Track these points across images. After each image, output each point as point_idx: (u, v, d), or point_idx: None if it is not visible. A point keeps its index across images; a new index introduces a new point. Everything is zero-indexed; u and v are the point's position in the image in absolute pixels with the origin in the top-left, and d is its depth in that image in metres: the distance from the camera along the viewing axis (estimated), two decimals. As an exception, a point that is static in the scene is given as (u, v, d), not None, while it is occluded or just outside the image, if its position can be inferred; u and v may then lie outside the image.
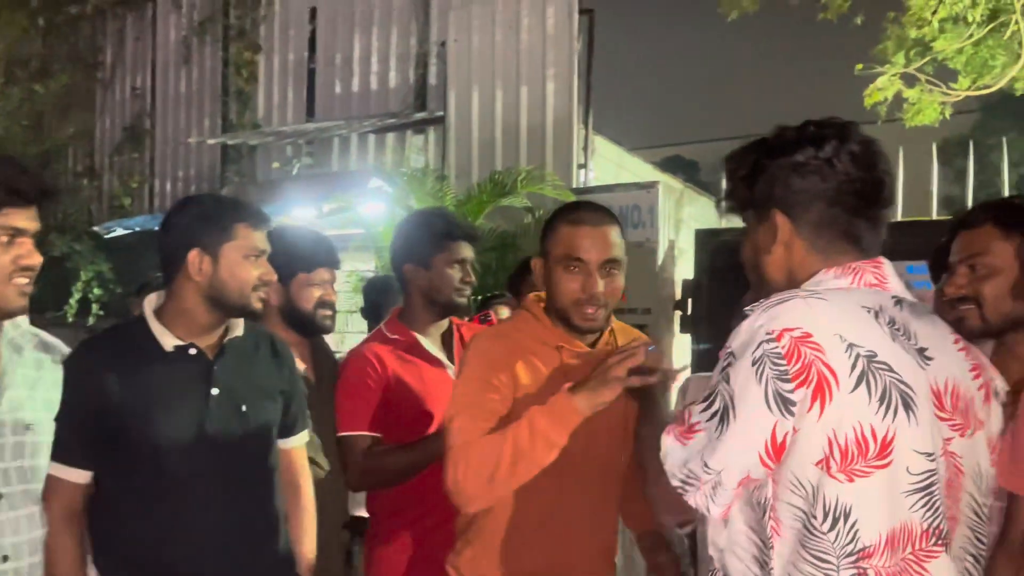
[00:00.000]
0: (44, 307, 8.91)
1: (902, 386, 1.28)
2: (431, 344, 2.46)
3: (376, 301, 4.01)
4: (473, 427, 1.76)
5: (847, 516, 1.25)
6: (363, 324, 4.65)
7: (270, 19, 9.92)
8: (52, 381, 1.88)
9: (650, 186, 6.44)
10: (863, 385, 1.25)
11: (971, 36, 8.00)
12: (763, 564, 1.32)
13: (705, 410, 1.33)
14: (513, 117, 7.80)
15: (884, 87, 7.61)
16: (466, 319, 2.76)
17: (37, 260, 1.75)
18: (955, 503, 1.36)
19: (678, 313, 6.03)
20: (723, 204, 1.54)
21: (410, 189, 6.68)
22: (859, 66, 7.60)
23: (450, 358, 2.45)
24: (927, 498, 1.29)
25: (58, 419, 1.88)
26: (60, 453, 1.87)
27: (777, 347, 1.26)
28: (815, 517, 1.26)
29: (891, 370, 1.27)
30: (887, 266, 1.41)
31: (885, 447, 1.25)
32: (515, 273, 3.79)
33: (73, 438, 1.89)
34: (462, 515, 1.93)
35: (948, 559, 1.32)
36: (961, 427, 1.36)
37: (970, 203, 6.21)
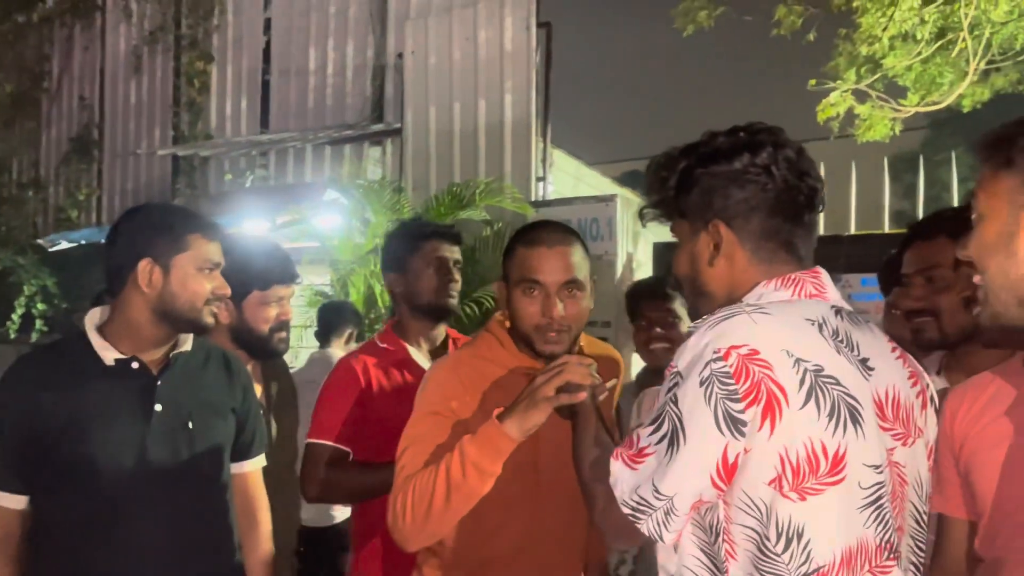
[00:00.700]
0: (-15, 323, 8.62)
1: (849, 399, 1.25)
2: (422, 357, 2.36)
3: (327, 325, 4.02)
4: (417, 461, 1.69)
5: (800, 536, 1.22)
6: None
7: (223, 29, 9.78)
8: None
9: (609, 199, 6.44)
10: (812, 401, 1.22)
11: (919, 54, 8.18)
12: None
13: (654, 432, 1.28)
14: (471, 129, 7.75)
15: (836, 103, 7.74)
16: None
17: None
18: (900, 513, 1.34)
19: (637, 326, 6.04)
20: (648, 213, 1.49)
21: (367, 201, 6.59)
22: (812, 82, 7.71)
23: None
24: (878, 511, 1.27)
25: None
26: None
27: (724, 366, 1.22)
28: (768, 539, 1.23)
29: (838, 384, 1.25)
30: (824, 275, 1.38)
31: (837, 463, 1.22)
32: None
33: (5, 461, 1.79)
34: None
35: (900, 572, 1.30)
36: (903, 436, 1.34)
37: (921, 216, 6.32)
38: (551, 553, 1.84)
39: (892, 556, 1.28)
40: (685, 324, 2.68)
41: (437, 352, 2.39)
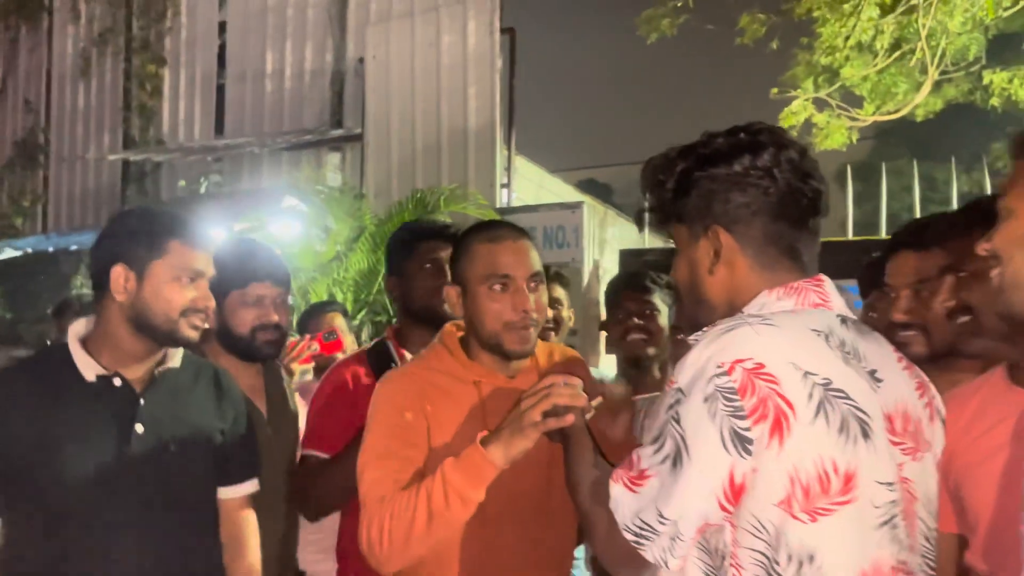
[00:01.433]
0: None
1: (859, 413, 1.19)
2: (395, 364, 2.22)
3: (308, 330, 3.74)
4: (386, 480, 1.61)
5: (812, 559, 1.16)
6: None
7: (176, 31, 9.60)
8: None
9: (575, 206, 6.40)
10: (821, 416, 1.16)
11: (875, 64, 8.32)
12: None
13: (655, 453, 1.21)
14: (434, 136, 7.66)
15: (797, 111, 7.82)
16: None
17: None
18: (912, 532, 1.29)
19: (604, 334, 5.99)
20: (644, 218, 1.42)
21: (327, 208, 6.45)
22: (774, 90, 7.79)
23: None
24: (892, 531, 1.22)
25: None
26: None
27: (729, 381, 1.16)
28: (778, 563, 1.17)
29: (847, 397, 1.19)
30: (828, 283, 1.33)
31: (848, 481, 1.17)
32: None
33: None
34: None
35: None
36: (912, 450, 1.29)
37: (884, 224, 6.40)
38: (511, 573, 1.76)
39: None
40: (663, 317, 2.63)
41: None
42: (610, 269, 6.69)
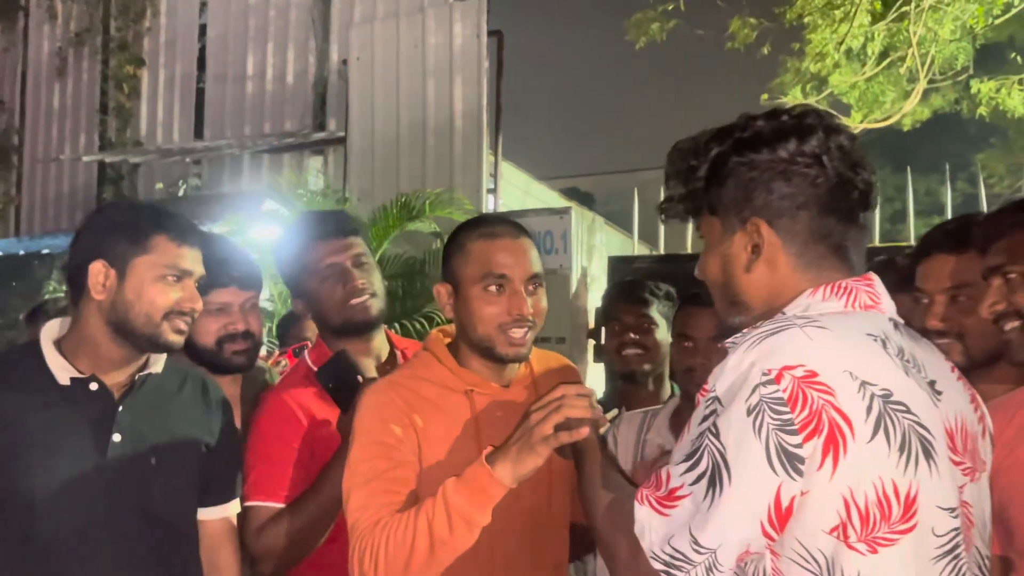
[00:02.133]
0: None
1: (921, 430, 1.07)
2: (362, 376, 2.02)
3: (289, 340, 3.49)
4: (378, 504, 1.48)
5: None
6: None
7: (155, 32, 9.41)
8: None
9: (563, 212, 6.28)
10: (881, 432, 1.03)
11: (864, 72, 8.27)
12: None
13: (689, 471, 1.08)
14: (419, 139, 7.50)
15: (788, 118, 7.73)
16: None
17: None
18: (970, 562, 1.16)
19: (592, 342, 5.89)
20: (669, 209, 1.29)
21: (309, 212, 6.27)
22: (764, 96, 7.72)
23: None
24: (953, 562, 1.10)
25: None
26: None
27: (777, 391, 1.03)
28: None
29: (908, 411, 1.06)
30: (878, 283, 1.20)
31: (909, 507, 1.04)
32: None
33: None
34: None
35: None
36: (971, 471, 1.17)
37: (877, 231, 6.34)
38: None
39: None
40: (661, 331, 2.53)
41: (383, 370, 2.03)
42: (598, 276, 6.59)
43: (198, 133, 9.05)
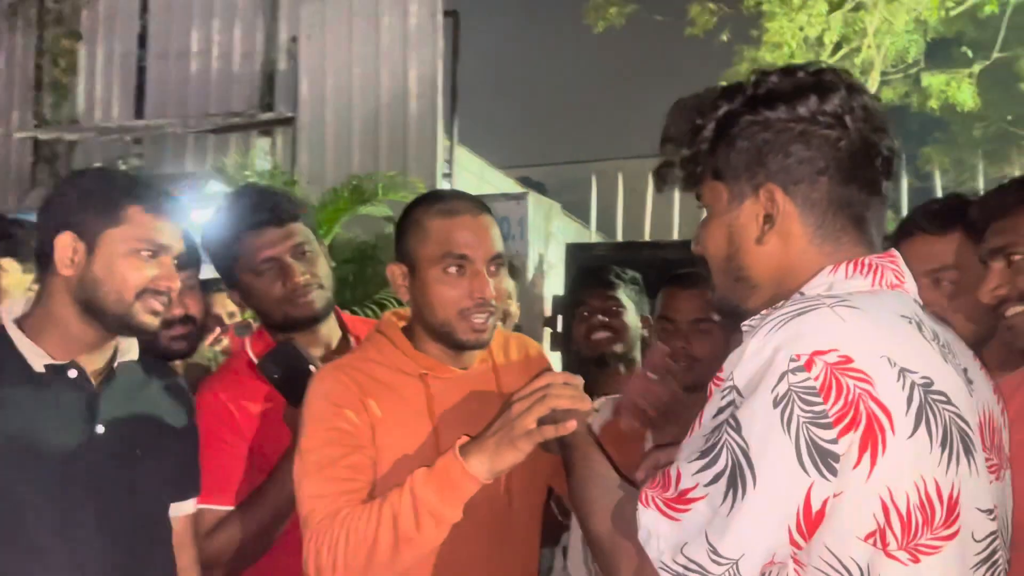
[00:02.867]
0: None
1: (961, 423, 0.97)
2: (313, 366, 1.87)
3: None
4: (332, 494, 1.40)
5: None
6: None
7: (93, 5, 9.02)
8: None
9: (520, 197, 6.17)
10: (923, 426, 0.93)
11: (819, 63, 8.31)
12: None
13: (704, 469, 0.96)
14: (371, 120, 7.35)
15: (745, 107, 7.74)
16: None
17: None
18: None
19: (548, 330, 5.83)
20: (667, 174, 1.17)
21: (256, 194, 6.04)
22: (723, 83, 7.69)
23: None
24: (991, 570, 1.00)
25: None
26: None
27: (808, 378, 0.92)
28: None
29: (949, 402, 0.96)
30: (900, 260, 1.09)
31: (952, 510, 0.94)
32: None
33: None
34: None
35: None
36: (997, 468, 1.07)
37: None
38: None
39: None
40: (630, 314, 2.51)
41: (334, 357, 1.86)
42: (555, 263, 6.50)
43: (139, 112, 8.72)
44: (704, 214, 1.16)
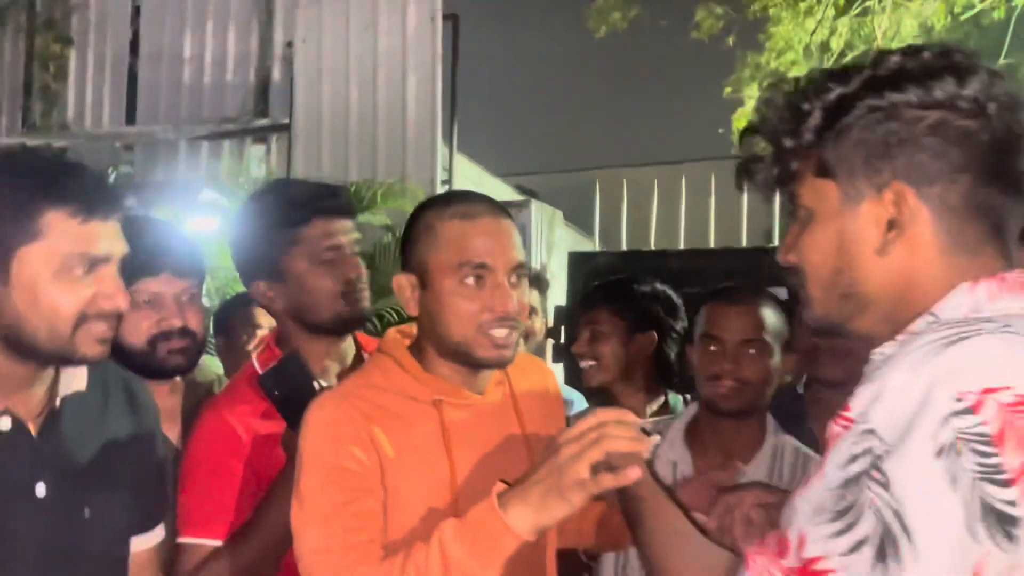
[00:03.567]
0: None
1: None
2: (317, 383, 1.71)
3: (231, 331, 2.98)
4: (337, 548, 1.23)
5: None
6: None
7: (84, 10, 8.90)
8: None
9: (523, 204, 6.03)
10: None
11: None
12: None
13: (840, 535, 0.79)
14: (369, 127, 7.22)
15: (750, 114, 7.66)
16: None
17: None
18: None
19: (550, 342, 5.71)
20: (758, 171, 0.99)
21: (250, 202, 5.91)
22: (727, 89, 7.61)
23: None
24: None
25: None
26: None
27: (977, 423, 0.75)
28: None
29: None
30: None
31: None
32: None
33: None
34: None
35: None
36: None
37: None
38: None
39: None
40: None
41: (347, 374, 1.70)
42: (557, 273, 6.38)
43: (130, 118, 8.60)
44: (781, 216, 0.99)
